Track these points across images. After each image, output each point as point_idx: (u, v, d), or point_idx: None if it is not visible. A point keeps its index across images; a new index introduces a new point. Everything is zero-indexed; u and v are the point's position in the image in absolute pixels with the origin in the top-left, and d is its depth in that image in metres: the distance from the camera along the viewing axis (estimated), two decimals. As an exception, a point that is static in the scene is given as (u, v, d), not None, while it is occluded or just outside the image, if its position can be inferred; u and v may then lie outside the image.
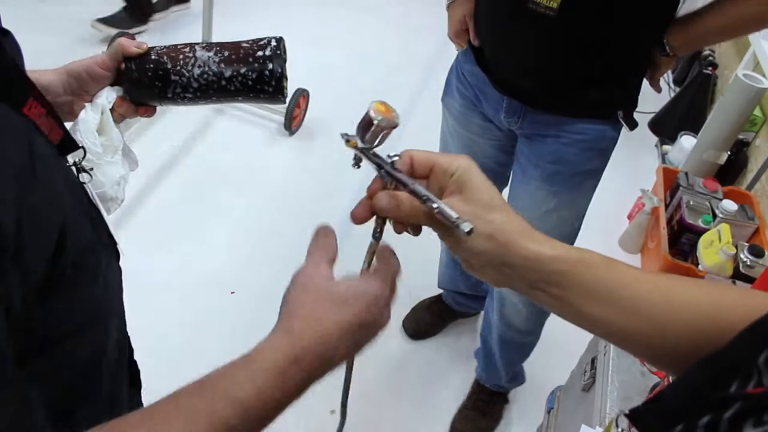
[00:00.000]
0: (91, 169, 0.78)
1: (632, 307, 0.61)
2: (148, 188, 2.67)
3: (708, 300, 0.60)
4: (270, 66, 0.84)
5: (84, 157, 0.77)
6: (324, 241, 0.70)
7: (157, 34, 3.62)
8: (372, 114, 0.63)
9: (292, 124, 3.09)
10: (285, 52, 0.86)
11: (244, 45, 0.90)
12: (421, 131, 3.40)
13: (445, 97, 1.82)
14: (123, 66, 0.87)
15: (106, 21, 3.36)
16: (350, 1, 4.35)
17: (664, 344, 0.61)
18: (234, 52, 0.89)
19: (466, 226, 0.58)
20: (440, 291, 2.43)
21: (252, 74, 0.88)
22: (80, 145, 0.74)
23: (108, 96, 0.86)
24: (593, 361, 1.59)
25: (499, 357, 2.06)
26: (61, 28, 3.48)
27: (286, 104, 3.02)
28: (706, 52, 3.74)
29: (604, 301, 0.61)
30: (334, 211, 2.83)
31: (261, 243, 2.63)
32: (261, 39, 0.88)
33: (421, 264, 2.53)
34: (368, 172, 2.68)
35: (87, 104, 0.86)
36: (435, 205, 0.60)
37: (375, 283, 0.65)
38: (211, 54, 0.89)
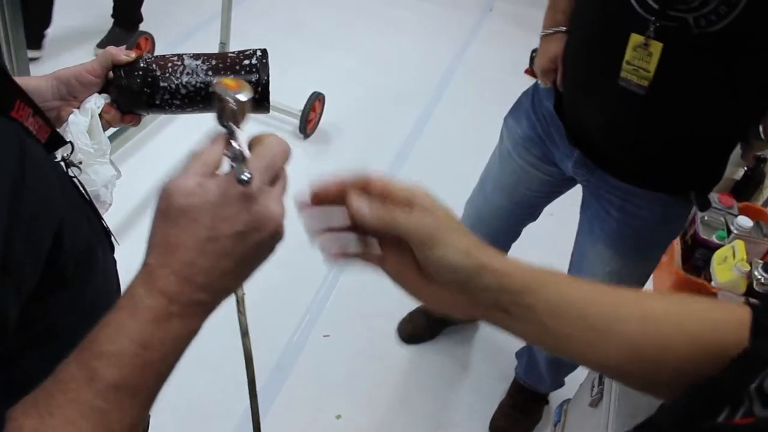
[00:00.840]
0: (80, 162, 0.79)
1: (604, 324, 0.61)
2: (157, 181, 2.67)
3: (676, 312, 0.61)
4: (256, 74, 0.85)
5: (72, 152, 0.78)
6: (203, 151, 0.59)
7: (178, 39, 3.64)
8: (216, 89, 0.61)
9: (307, 127, 3.09)
10: (269, 64, 0.87)
11: (231, 55, 0.91)
12: (436, 137, 3.42)
13: (510, 118, 1.77)
14: (112, 73, 0.88)
15: (104, 44, 3.35)
16: (368, 5, 4.36)
17: (642, 364, 0.60)
18: (221, 60, 0.91)
19: (246, 176, 0.55)
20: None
21: (242, 77, 0.88)
22: (68, 140, 0.75)
23: (96, 101, 0.88)
24: (601, 376, 1.58)
25: (547, 372, 2.05)
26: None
27: (301, 110, 3.03)
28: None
29: (574, 318, 0.61)
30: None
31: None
32: (247, 50, 0.89)
33: (390, 289, 2.53)
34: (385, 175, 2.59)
35: (75, 109, 0.87)
36: (236, 146, 0.58)
37: (231, 186, 0.56)
38: (198, 62, 0.90)
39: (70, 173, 0.81)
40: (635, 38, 1.29)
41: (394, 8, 4.42)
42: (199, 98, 0.90)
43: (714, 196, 2.87)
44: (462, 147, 3.32)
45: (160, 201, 0.57)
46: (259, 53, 0.87)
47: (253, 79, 0.90)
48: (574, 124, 1.55)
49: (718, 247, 2.68)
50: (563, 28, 1.57)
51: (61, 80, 0.86)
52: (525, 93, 1.73)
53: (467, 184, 3.21)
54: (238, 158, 0.57)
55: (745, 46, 1.22)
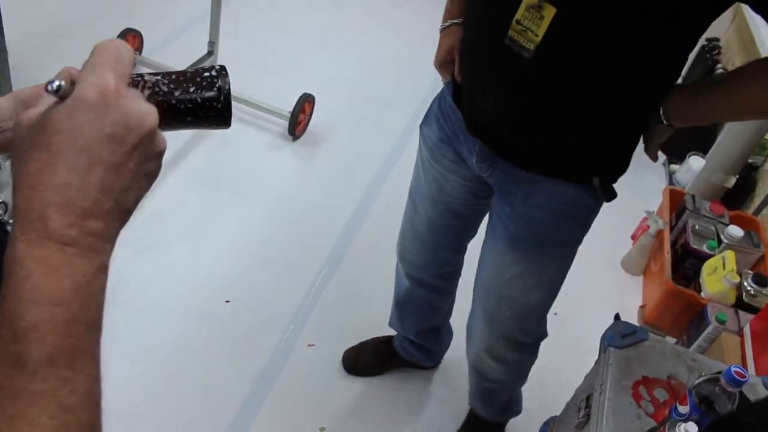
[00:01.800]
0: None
1: None
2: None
3: None
4: (218, 83, 0.83)
5: (6, 211, 0.72)
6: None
7: (167, 36, 3.59)
8: None
9: (296, 129, 3.06)
10: (228, 76, 0.85)
11: (190, 70, 0.89)
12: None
13: (423, 126, 1.68)
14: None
15: None
16: (360, 5, 4.31)
17: None
18: (181, 75, 0.88)
19: (54, 84, 0.51)
20: (392, 335, 2.32)
21: (201, 92, 0.86)
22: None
23: None
24: (588, 398, 1.56)
25: (488, 401, 2.03)
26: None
27: (290, 111, 2.99)
28: (720, 71, 3.70)
29: None
30: (336, 220, 2.82)
31: (258, 251, 2.60)
32: (204, 66, 0.87)
33: (377, 299, 2.49)
34: (375, 179, 2.61)
35: None
36: None
37: (86, 91, 0.50)
38: (159, 77, 0.88)
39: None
40: None
41: (386, 7, 4.38)
42: (161, 111, 0.87)
43: (705, 204, 2.86)
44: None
45: (14, 136, 0.51)
46: (218, 67, 0.85)
47: (214, 92, 0.87)
48: (470, 110, 1.46)
49: (708, 257, 2.67)
50: (459, 21, 1.54)
51: (20, 100, 0.82)
52: (434, 98, 1.65)
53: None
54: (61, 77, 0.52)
55: (648, 11, 1.12)
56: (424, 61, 3.92)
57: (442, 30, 1.59)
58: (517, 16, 1.20)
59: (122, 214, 0.52)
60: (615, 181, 1.45)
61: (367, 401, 2.26)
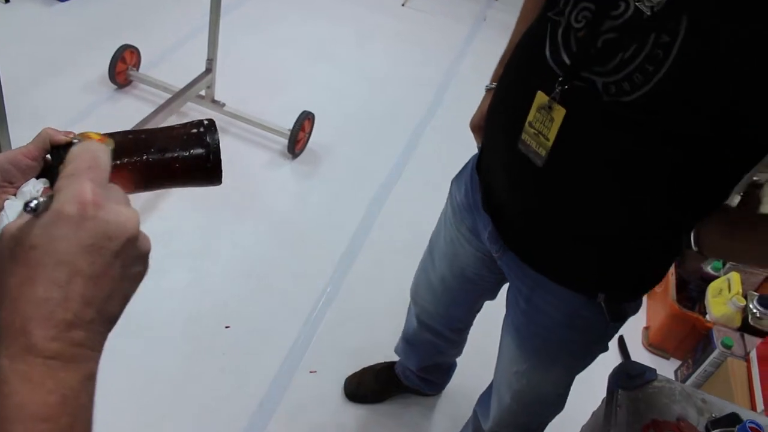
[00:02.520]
0: None
1: None
2: (141, 211, 2.61)
3: None
4: (206, 139, 0.79)
5: None
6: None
7: (164, 52, 3.55)
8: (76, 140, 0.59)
9: (295, 147, 3.02)
10: (217, 132, 0.81)
11: (177, 126, 0.85)
12: (428, 158, 3.36)
13: (454, 182, 1.60)
14: (49, 156, 0.82)
15: None
16: (361, 19, 4.28)
17: None
18: (168, 132, 0.85)
19: (33, 203, 0.50)
20: (394, 360, 2.28)
21: (191, 150, 0.83)
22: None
23: (35, 186, 0.81)
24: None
25: None
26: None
27: (290, 129, 2.95)
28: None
29: None
30: (337, 240, 2.79)
31: (258, 275, 2.57)
32: (192, 121, 0.84)
33: (379, 323, 2.48)
34: (375, 198, 2.55)
35: (11, 196, 0.81)
36: None
37: (64, 204, 0.49)
38: (145, 136, 0.84)
39: None
40: (540, 97, 1.12)
41: (386, 18, 4.35)
42: (151, 175, 0.84)
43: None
44: (453, 170, 3.24)
45: None
46: (205, 122, 0.81)
47: (202, 150, 0.83)
48: (487, 188, 1.38)
49: (712, 278, 2.64)
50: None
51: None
52: (473, 157, 1.53)
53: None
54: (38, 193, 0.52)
55: (660, 126, 1.02)
56: (424, 78, 3.93)
57: (488, 91, 1.52)
58: (530, 118, 1.14)
59: (107, 320, 0.51)
60: (627, 300, 1.34)
61: (369, 430, 2.23)
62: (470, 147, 3.50)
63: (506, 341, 1.51)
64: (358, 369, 2.33)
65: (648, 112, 1.02)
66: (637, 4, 0.99)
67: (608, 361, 1.61)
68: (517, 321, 1.44)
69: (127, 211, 0.51)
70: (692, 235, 1.15)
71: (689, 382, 2.44)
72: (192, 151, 0.84)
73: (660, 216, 1.15)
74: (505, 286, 1.52)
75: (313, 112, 3.09)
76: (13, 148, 2.09)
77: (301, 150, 3.11)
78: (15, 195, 0.81)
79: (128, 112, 3.04)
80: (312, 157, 3.14)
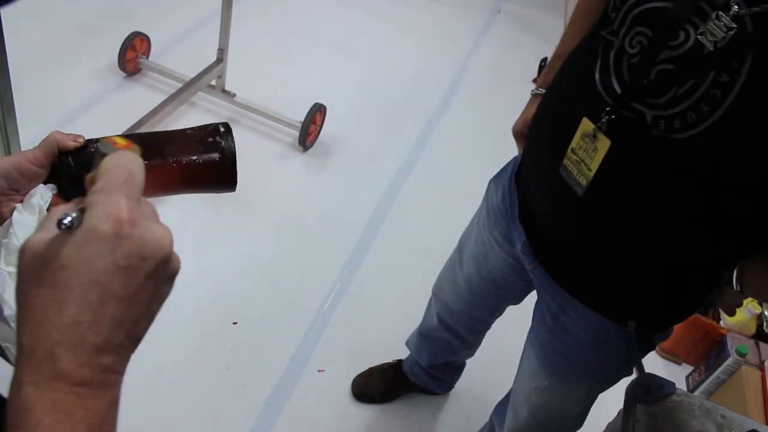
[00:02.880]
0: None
1: None
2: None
3: None
4: (222, 144, 0.75)
5: None
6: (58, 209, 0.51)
7: (174, 40, 3.51)
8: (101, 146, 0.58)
9: (306, 139, 2.98)
10: (233, 138, 0.77)
11: (190, 132, 0.80)
12: (440, 153, 3.31)
13: (492, 183, 1.54)
14: (57, 161, 0.78)
15: None
16: (375, 9, 4.21)
17: None
18: (184, 136, 0.80)
19: (67, 220, 0.47)
20: (401, 358, 2.26)
21: (205, 155, 0.79)
22: (13, 243, 0.64)
23: (43, 194, 0.77)
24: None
25: None
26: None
27: (301, 122, 2.91)
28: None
29: None
30: (347, 236, 2.75)
31: (266, 270, 2.54)
32: (208, 125, 0.79)
33: (389, 321, 2.46)
34: (386, 192, 2.50)
35: (18, 204, 0.77)
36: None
37: (99, 222, 0.46)
38: (156, 138, 0.80)
39: None
40: (585, 124, 1.06)
41: (399, 8, 4.28)
42: (163, 180, 0.80)
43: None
44: (466, 164, 3.21)
45: (19, 266, 0.48)
46: (221, 128, 0.77)
47: (217, 157, 0.80)
48: (524, 200, 1.34)
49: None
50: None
51: (1, 174, 0.75)
52: (514, 158, 1.49)
53: (471, 203, 3.12)
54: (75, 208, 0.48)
55: (708, 168, 0.97)
56: (437, 71, 3.87)
57: (533, 96, 1.46)
58: (573, 144, 1.10)
59: (134, 343, 0.49)
60: (659, 330, 1.30)
61: (378, 430, 2.20)
62: (482, 144, 3.49)
63: (529, 355, 1.48)
64: (366, 368, 2.30)
65: (696, 154, 0.97)
66: (699, 36, 0.92)
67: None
68: (542, 337, 1.40)
69: (161, 229, 0.49)
70: (735, 272, 1.10)
71: (701, 389, 2.41)
72: (208, 156, 0.80)
73: (698, 252, 1.11)
74: (533, 298, 1.48)
75: (324, 104, 3.05)
76: (20, 135, 2.06)
77: (312, 143, 3.07)
78: (21, 203, 0.77)
79: (137, 101, 3.00)
80: (323, 150, 3.10)
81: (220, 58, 3.00)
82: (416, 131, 3.37)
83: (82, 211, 0.47)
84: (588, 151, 1.07)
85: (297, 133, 2.98)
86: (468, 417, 2.25)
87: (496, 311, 1.77)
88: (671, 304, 1.26)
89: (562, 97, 1.19)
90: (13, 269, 0.74)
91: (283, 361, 2.28)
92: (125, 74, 3.17)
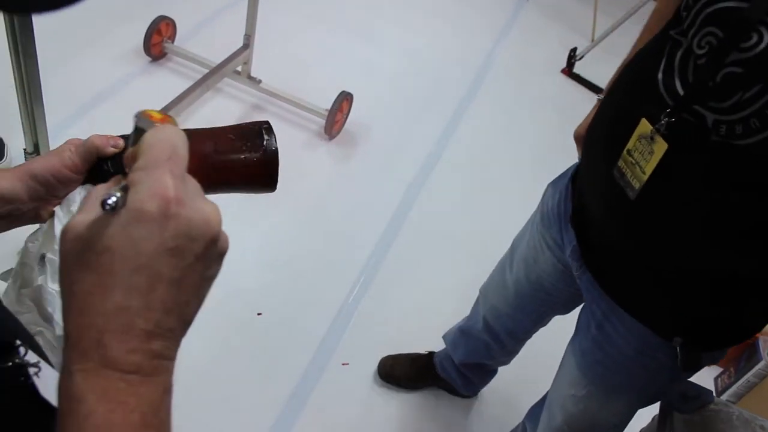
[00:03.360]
0: (37, 362, 0.63)
1: None
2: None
3: None
4: (265, 144, 0.72)
5: (25, 354, 0.61)
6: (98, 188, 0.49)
7: (200, 24, 3.48)
8: (139, 121, 0.54)
9: (333, 128, 2.95)
10: (275, 137, 0.74)
11: (231, 129, 0.78)
12: (467, 142, 3.27)
13: (550, 186, 1.50)
14: (96, 164, 0.76)
15: None
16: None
17: None
18: (225, 133, 0.77)
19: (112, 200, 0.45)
20: (434, 350, 2.24)
21: (248, 155, 0.76)
22: (17, 344, 0.61)
23: (80, 194, 0.76)
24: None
25: None
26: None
27: (328, 109, 2.88)
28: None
29: None
30: (372, 227, 2.73)
31: (291, 260, 2.51)
32: (249, 123, 0.77)
33: (413, 316, 2.44)
34: (412, 183, 2.47)
35: (57, 208, 0.75)
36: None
37: (145, 201, 0.44)
38: (196, 134, 0.77)
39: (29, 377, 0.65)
40: (644, 125, 1.03)
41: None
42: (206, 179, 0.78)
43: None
44: (494, 155, 3.17)
45: (61, 250, 0.46)
46: (264, 126, 0.74)
47: (260, 157, 0.77)
48: (578, 204, 1.32)
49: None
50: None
51: (38, 180, 0.73)
52: (575, 163, 1.46)
53: (499, 195, 3.08)
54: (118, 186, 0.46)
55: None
56: (463, 60, 3.82)
57: (598, 101, 1.42)
58: (629, 145, 1.06)
59: (184, 327, 0.48)
60: (707, 349, 1.24)
61: (401, 425, 2.18)
62: (510, 135, 3.44)
63: (569, 362, 1.44)
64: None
65: (757, 163, 0.93)
66: None
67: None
68: (584, 345, 1.36)
69: (209, 207, 0.47)
70: None
71: (730, 391, 2.37)
72: (250, 156, 0.77)
73: (755, 267, 1.06)
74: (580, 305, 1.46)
75: (351, 92, 3.01)
76: (46, 120, 2.04)
77: (338, 131, 3.03)
78: (59, 206, 0.75)
79: (162, 86, 2.98)
80: (349, 139, 3.06)
81: (247, 44, 2.96)
82: (443, 121, 3.33)
83: (125, 190, 0.45)
84: (644, 154, 1.04)
85: (323, 121, 2.94)
86: (496, 417, 2.23)
87: (541, 320, 1.74)
88: (723, 322, 1.21)
89: (621, 97, 1.16)
90: (52, 257, 0.72)
91: (307, 353, 2.26)
92: (150, 59, 3.14)
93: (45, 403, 0.62)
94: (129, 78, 3.05)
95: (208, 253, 0.47)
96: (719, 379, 2.50)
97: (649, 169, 1.03)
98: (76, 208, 0.74)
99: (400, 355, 2.28)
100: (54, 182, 0.75)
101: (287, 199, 2.72)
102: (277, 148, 0.74)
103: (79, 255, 0.44)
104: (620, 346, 1.27)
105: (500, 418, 2.14)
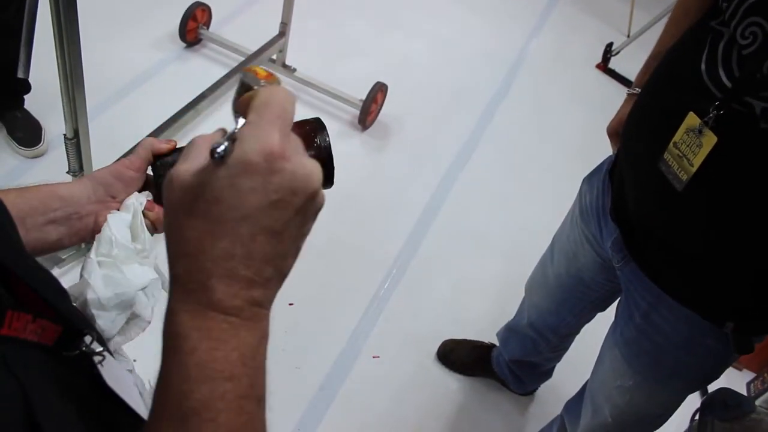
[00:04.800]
0: (103, 350, 0.64)
1: None
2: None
3: None
4: (318, 140, 0.73)
5: (92, 342, 0.62)
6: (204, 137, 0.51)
7: (235, 10, 3.47)
8: (244, 77, 0.56)
9: (367, 119, 2.94)
10: (328, 134, 0.74)
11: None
12: (500, 135, 3.25)
13: (586, 182, 1.51)
14: (151, 168, 0.79)
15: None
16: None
17: None
18: None
19: (221, 148, 0.47)
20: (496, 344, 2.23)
21: (309, 152, 0.75)
22: (84, 330, 0.61)
23: (138, 198, 0.78)
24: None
25: None
26: None
27: (362, 100, 2.87)
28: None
29: None
30: (405, 219, 2.72)
31: (323, 250, 2.51)
32: (304, 120, 0.77)
33: (445, 309, 2.44)
34: (446, 175, 2.46)
35: (114, 210, 0.77)
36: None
37: (251, 153, 0.46)
38: None
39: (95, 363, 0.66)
40: (691, 119, 1.03)
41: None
42: None
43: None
44: (527, 150, 3.15)
45: (166, 196, 0.48)
46: (317, 124, 0.74)
47: (317, 154, 0.76)
48: (617, 196, 1.33)
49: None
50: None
51: (98, 180, 0.76)
52: (608, 157, 1.48)
53: (531, 191, 3.05)
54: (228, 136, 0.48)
55: None
56: (497, 53, 3.78)
57: (629, 95, 1.43)
58: (676, 138, 1.06)
59: (281, 279, 0.50)
60: (758, 333, 1.23)
61: (431, 419, 2.18)
62: (544, 131, 3.41)
63: (612, 353, 1.43)
64: (422, 355, 2.30)
65: None
66: None
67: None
68: (629, 335, 1.36)
69: (311, 163, 0.48)
70: None
71: (763, 397, 2.34)
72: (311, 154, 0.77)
73: None
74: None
75: (386, 83, 2.99)
76: (87, 106, 2.04)
77: (372, 122, 3.02)
78: (118, 209, 0.77)
79: (196, 72, 2.99)
80: (382, 130, 3.05)
81: (283, 32, 2.95)
82: (476, 114, 3.30)
83: (232, 141, 0.47)
84: (691, 147, 1.04)
85: (357, 112, 2.93)
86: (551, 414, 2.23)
87: (583, 315, 1.75)
88: None
89: (663, 89, 1.15)
90: (102, 259, 0.73)
91: (338, 344, 2.26)
92: (185, 44, 3.15)
93: (110, 392, 0.63)
94: (164, 63, 3.06)
95: (307, 207, 0.49)
96: (752, 384, 2.47)
97: (698, 161, 1.03)
98: (130, 201, 0.76)
99: (463, 340, 2.30)
100: (114, 182, 0.77)
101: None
102: (330, 144, 0.74)
103: (190, 203, 0.47)
104: (668, 333, 1.27)
105: (539, 414, 2.14)
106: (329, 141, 0.73)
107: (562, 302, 1.71)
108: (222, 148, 0.46)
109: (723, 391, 1.50)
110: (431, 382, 2.26)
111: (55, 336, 0.54)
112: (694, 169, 1.04)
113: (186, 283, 0.47)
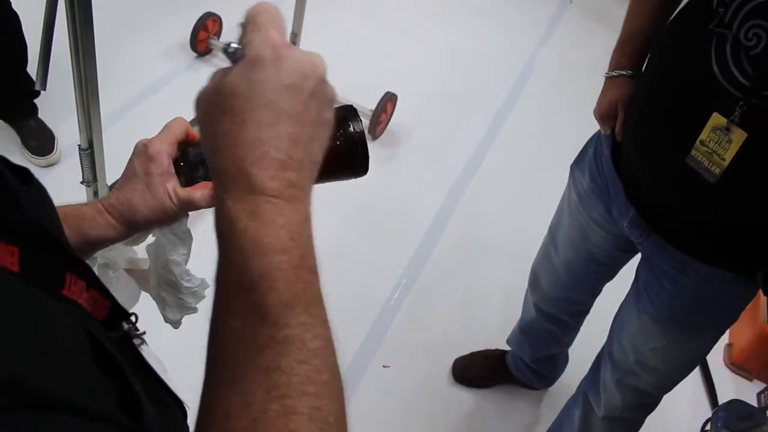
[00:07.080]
0: (143, 333, 0.67)
1: None
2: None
3: None
4: (351, 127, 0.74)
5: (136, 322, 0.64)
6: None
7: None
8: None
9: (376, 129, 2.95)
10: (362, 124, 0.75)
11: None
12: (509, 144, 3.25)
13: (576, 167, 1.59)
14: (180, 151, 0.83)
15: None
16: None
17: None
18: None
19: (233, 46, 0.53)
20: (509, 348, 2.25)
21: (342, 140, 0.75)
22: (129, 311, 0.63)
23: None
24: None
25: None
26: None
27: (372, 110, 2.88)
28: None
29: None
30: (415, 228, 2.72)
31: (332, 260, 2.52)
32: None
33: (456, 318, 2.45)
34: (456, 184, 2.48)
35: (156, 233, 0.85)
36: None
37: (259, 50, 0.51)
38: None
39: (138, 343, 0.67)
40: (716, 119, 1.09)
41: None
42: None
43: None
44: (536, 159, 3.16)
45: (197, 110, 0.54)
46: (350, 110, 0.75)
47: (352, 141, 0.76)
48: (630, 177, 1.37)
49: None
50: (629, 72, 1.42)
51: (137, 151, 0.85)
52: (591, 139, 1.56)
53: (541, 199, 3.06)
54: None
55: None
56: (506, 61, 3.79)
57: (608, 78, 1.47)
58: (702, 136, 1.11)
59: (311, 165, 0.53)
60: None
61: (444, 429, 2.18)
62: (553, 139, 3.41)
63: (641, 320, 1.47)
64: (433, 366, 2.29)
65: None
66: None
67: (687, 380, 1.59)
68: (659, 301, 1.41)
69: (314, 53, 0.54)
70: None
71: (774, 407, 2.33)
72: (344, 141, 0.77)
73: None
74: (631, 267, 1.55)
75: (396, 93, 3.00)
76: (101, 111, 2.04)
77: (382, 132, 3.03)
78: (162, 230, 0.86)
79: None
80: (392, 140, 3.06)
81: (293, 42, 2.97)
82: (486, 123, 3.31)
83: (242, 46, 0.52)
84: (721, 143, 1.10)
85: (367, 122, 2.94)
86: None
87: (594, 291, 1.83)
88: None
89: (679, 95, 1.19)
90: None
91: (347, 354, 2.27)
92: (196, 54, 3.17)
93: (154, 375, 0.64)
94: (174, 73, 3.08)
95: (320, 91, 0.53)
96: (762, 395, 2.46)
97: (730, 156, 1.09)
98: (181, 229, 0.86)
99: (473, 354, 2.31)
100: (146, 168, 0.82)
101: (329, 197, 2.72)
102: (363, 130, 0.75)
103: (213, 104, 0.52)
104: (701, 291, 1.34)
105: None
106: (362, 127, 0.74)
107: (573, 286, 1.79)
108: (233, 47, 0.52)
109: (734, 403, 1.51)
110: (442, 392, 2.26)
111: (104, 312, 0.55)
112: (726, 163, 1.10)
113: (224, 174, 0.51)
